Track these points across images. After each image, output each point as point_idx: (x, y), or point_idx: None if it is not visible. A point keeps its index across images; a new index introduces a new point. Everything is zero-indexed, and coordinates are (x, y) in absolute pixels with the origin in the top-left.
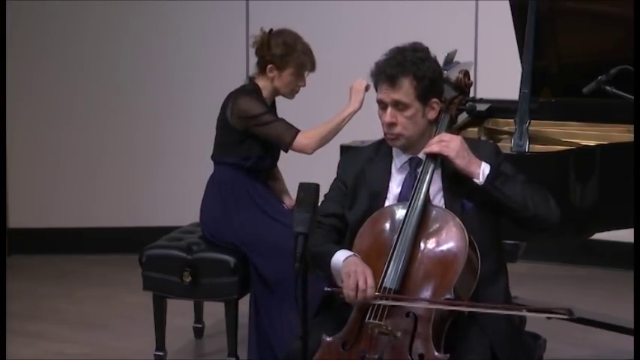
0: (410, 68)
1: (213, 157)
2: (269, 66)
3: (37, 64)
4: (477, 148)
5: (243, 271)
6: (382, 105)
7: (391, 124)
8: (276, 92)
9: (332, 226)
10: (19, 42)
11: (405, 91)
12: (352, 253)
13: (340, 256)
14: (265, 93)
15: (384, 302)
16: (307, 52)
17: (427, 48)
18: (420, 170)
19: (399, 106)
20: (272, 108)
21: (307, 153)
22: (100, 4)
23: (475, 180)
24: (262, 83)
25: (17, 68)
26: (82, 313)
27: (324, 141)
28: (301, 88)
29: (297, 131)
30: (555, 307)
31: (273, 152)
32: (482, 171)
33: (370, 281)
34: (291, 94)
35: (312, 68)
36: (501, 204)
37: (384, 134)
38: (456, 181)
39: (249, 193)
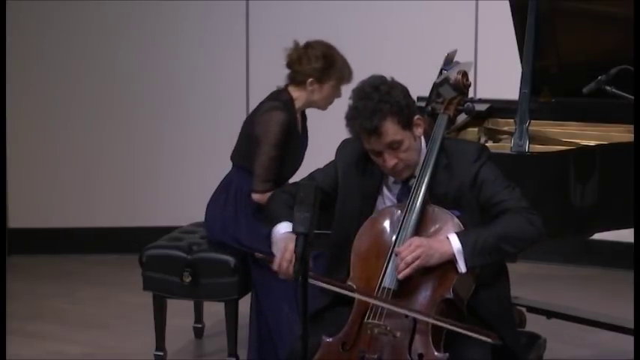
0: (384, 109)
1: (233, 159)
2: (309, 80)
3: (37, 65)
4: (456, 153)
5: (243, 271)
6: (375, 152)
7: (395, 165)
8: (310, 104)
9: None
10: (19, 42)
11: (392, 131)
12: None
13: (281, 228)
14: (298, 104)
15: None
16: (346, 63)
17: (382, 76)
18: (412, 182)
19: (393, 145)
20: (303, 119)
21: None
22: (99, 4)
23: (457, 266)
24: (296, 94)
25: (17, 68)
26: (82, 313)
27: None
28: None
29: (270, 189)
30: (484, 332)
31: (293, 169)
32: (457, 253)
33: None
34: (327, 105)
35: (350, 79)
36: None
37: (389, 173)
38: (438, 201)
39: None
